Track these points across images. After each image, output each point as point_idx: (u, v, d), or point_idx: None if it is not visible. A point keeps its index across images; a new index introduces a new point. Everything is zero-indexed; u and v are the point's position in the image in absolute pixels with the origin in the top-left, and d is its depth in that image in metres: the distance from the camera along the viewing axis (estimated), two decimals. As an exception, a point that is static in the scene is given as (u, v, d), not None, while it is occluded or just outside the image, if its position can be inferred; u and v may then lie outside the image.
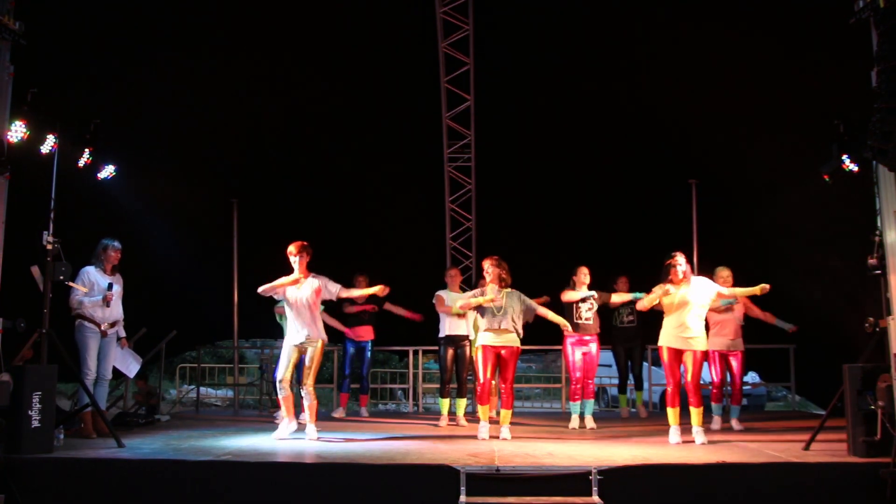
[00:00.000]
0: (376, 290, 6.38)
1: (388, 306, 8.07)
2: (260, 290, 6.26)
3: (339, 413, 8.23)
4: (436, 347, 7.82)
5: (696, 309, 5.94)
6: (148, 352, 8.84)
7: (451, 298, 7.41)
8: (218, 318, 9.91)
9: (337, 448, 5.65)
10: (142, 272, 7.65)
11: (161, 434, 6.45)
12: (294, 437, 6.16)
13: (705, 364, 7.48)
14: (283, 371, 6.22)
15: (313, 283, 6.26)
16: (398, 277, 9.34)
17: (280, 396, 6.30)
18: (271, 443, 5.96)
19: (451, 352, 7.47)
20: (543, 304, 6.65)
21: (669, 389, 5.99)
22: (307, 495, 4.69)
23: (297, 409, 6.42)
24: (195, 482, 4.73)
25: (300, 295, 6.22)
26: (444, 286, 7.63)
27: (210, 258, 9.62)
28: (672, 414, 5.98)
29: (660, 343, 6.05)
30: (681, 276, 5.94)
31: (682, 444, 5.83)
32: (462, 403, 7.57)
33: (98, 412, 5.95)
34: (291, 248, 6.28)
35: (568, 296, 7.18)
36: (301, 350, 6.25)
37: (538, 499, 4.50)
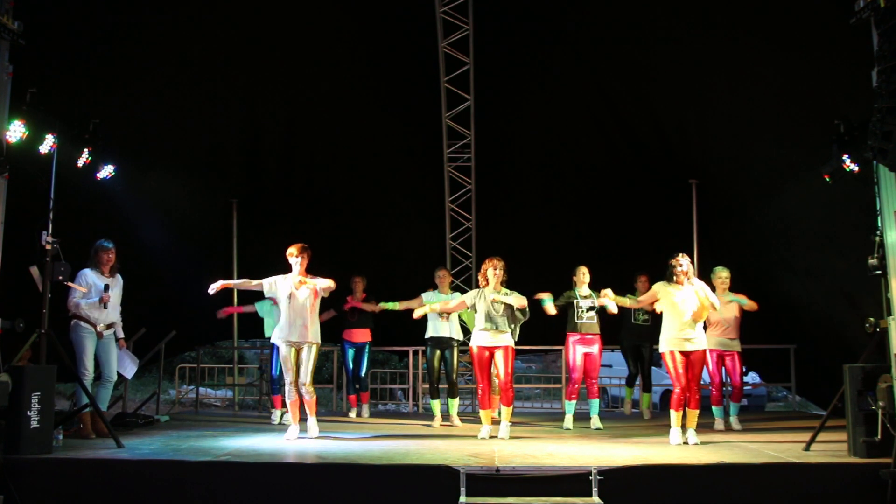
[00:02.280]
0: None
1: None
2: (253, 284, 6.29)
3: (353, 414, 8.22)
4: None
5: (695, 313, 5.98)
6: (147, 352, 8.84)
7: (439, 300, 7.37)
8: (217, 318, 9.90)
9: (337, 448, 5.64)
10: (141, 272, 7.64)
11: (160, 434, 6.45)
12: (298, 437, 6.17)
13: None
14: (291, 374, 6.18)
15: (310, 284, 6.23)
16: (398, 278, 9.38)
17: (289, 401, 6.27)
18: (271, 443, 5.95)
19: (437, 353, 7.46)
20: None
21: (677, 391, 5.93)
22: (307, 496, 4.68)
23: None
24: (195, 482, 4.72)
25: (299, 296, 6.21)
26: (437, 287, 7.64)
27: (210, 258, 9.61)
28: (676, 417, 5.95)
29: (663, 349, 6.05)
30: (683, 277, 5.99)
31: (682, 445, 5.83)
32: (454, 403, 7.54)
33: (97, 413, 5.94)
34: (292, 250, 6.25)
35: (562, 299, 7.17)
36: (299, 351, 6.21)
37: (538, 499, 4.49)
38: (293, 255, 6.24)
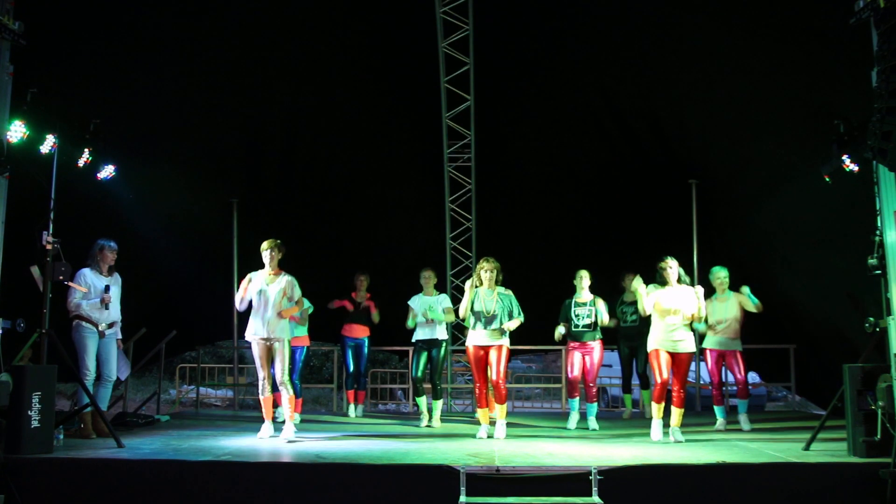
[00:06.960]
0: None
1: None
2: (239, 307, 6.27)
3: (358, 412, 8.15)
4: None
5: (682, 314, 6.11)
6: (148, 352, 8.84)
7: (423, 303, 7.33)
8: (217, 318, 9.90)
9: (337, 448, 5.65)
10: (141, 272, 7.64)
11: (161, 434, 6.45)
12: (272, 435, 6.19)
13: (702, 365, 7.51)
14: (265, 369, 6.21)
15: (282, 280, 6.26)
16: (398, 277, 9.37)
17: (262, 398, 6.30)
18: (271, 443, 5.96)
19: (424, 354, 7.34)
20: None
21: (659, 381, 6.07)
22: (307, 495, 4.68)
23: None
24: (195, 482, 4.73)
25: (273, 290, 6.22)
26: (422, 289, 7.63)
27: (210, 258, 9.61)
28: (658, 409, 6.09)
29: (650, 347, 6.21)
30: (672, 280, 6.13)
31: (682, 444, 5.84)
32: (437, 405, 7.47)
33: (98, 412, 5.94)
34: (266, 245, 6.26)
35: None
36: (270, 347, 6.23)
37: (538, 499, 4.49)
38: (266, 249, 6.25)
